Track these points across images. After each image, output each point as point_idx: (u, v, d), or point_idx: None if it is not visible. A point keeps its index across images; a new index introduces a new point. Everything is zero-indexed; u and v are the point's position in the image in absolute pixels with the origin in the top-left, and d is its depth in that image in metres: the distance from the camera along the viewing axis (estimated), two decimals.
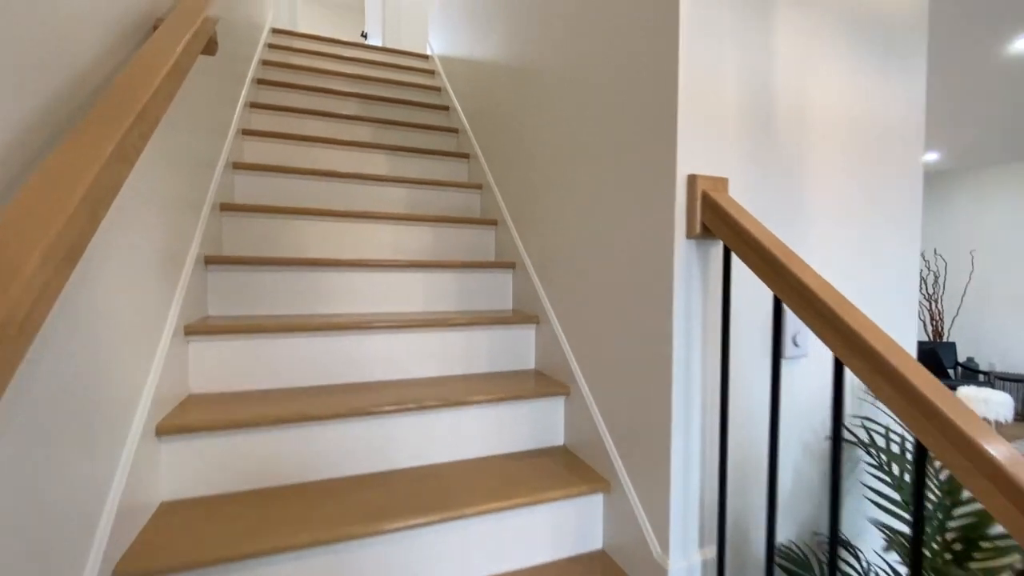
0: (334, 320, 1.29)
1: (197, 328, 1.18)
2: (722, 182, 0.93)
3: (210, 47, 1.04)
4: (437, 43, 3.11)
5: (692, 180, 0.91)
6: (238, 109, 1.88)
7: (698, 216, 0.90)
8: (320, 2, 6.92)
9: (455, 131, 2.50)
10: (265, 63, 2.47)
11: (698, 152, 0.92)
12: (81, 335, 0.75)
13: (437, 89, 2.88)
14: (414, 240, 1.80)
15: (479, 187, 2.11)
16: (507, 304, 1.73)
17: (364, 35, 5.14)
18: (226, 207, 1.54)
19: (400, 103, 2.56)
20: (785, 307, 1.00)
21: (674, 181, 0.91)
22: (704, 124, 0.93)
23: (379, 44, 4.32)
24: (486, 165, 2.09)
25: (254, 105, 2.10)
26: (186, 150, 1.24)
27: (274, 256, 1.43)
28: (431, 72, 3.11)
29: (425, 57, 3.29)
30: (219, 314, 1.40)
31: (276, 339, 1.25)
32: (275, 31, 2.89)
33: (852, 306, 0.70)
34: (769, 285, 0.79)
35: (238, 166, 1.73)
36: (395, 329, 1.36)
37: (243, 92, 1.99)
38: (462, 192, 2.10)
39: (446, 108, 2.68)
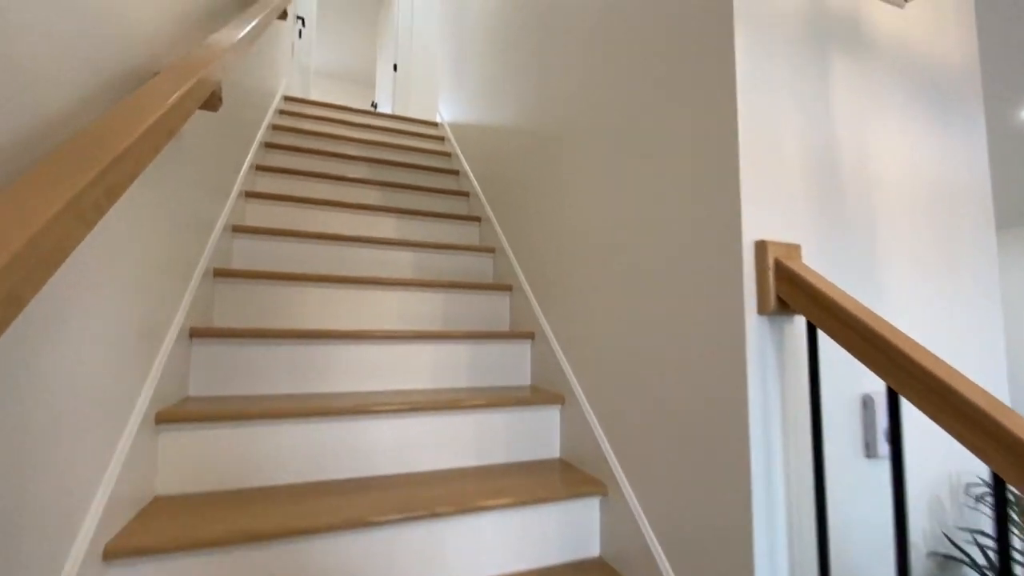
0: (330, 405, 1.12)
1: (171, 415, 1.00)
2: (795, 249, 0.80)
3: (212, 102, 0.94)
4: (447, 111, 3.14)
5: (761, 247, 0.77)
6: (243, 171, 1.81)
7: (771, 288, 0.76)
8: (332, 76, 7.26)
9: (465, 194, 2.44)
10: (275, 127, 2.45)
11: (764, 215, 0.80)
12: (5, 436, 0.58)
13: (447, 154, 2.86)
14: (423, 307, 1.65)
15: (491, 251, 2.00)
16: (525, 379, 1.56)
17: (374, 105, 5.30)
18: (220, 273, 1.41)
19: (409, 167, 2.52)
20: (875, 398, 0.84)
21: (740, 248, 0.78)
22: (768, 184, 0.81)
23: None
24: (499, 228, 1.99)
25: (260, 168, 2.04)
26: (177, 211, 1.12)
27: (268, 328, 1.28)
28: (440, 138, 3.12)
29: (435, 124, 3.32)
30: (203, 394, 1.22)
31: (264, 427, 1.07)
32: (287, 98, 2.92)
33: (1008, 408, 0.54)
34: (879, 373, 0.64)
35: (238, 229, 1.62)
36: (400, 413, 1.18)
37: (249, 154, 1.93)
38: (474, 256, 1.98)
39: (456, 172, 2.64)
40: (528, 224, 1.68)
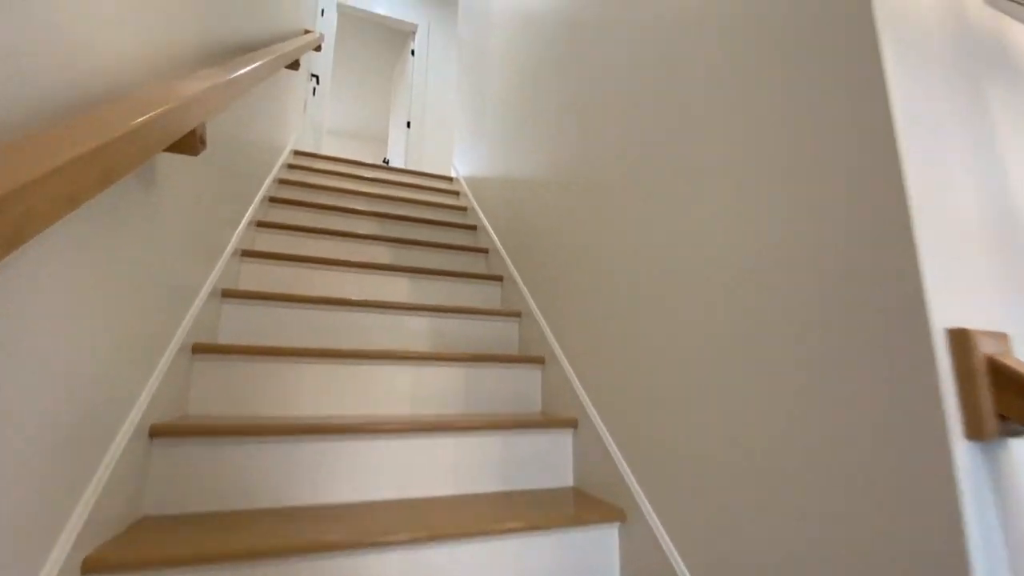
0: (322, 539, 0.83)
1: (104, 562, 0.73)
2: (1002, 339, 0.55)
3: (189, 144, 0.74)
4: (463, 165, 3.01)
5: (961, 339, 0.53)
6: (240, 228, 1.61)
7: (989, 401, 0.51)
8: (344, 133, 7.36)
9: (484, 251, 2.23)
10: (281, 182, 2.30)
11: (953, 293, 0.56)
12: None
13: (463, 209, 2.69)
14: (440, 386, 1.39)
15: (517, 315, 1.76)
16: (566, 478, 1.26)
17: (386, 162, 5.27)
18: (201, 349, 1.17)
19: (423, 222, 2.34)
20: None
21: (928, 340, 0.53)
22: (951, 251, 0.58)
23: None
24: (525, 289, 1.76)
25: (261, 224, 1.85)
26: (143, 276, 0.90)
27: (249, 422, 1.03)
28: (456, 193, 2.97)
29: (449, 179, 3.19)
30: (163, 513, 0.95)
31: (231, 571, 0.79)
32: (297, 152, 2.80)
33: None
34: None
35: (228, 294, 1.40)
36: (418, 544, 0.89)
37: (249, 210, 1.74)
38: (497, 321, 1.74)
39: (473, 227, 2.46)
40: (564, 285, 1.45)
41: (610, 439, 1.14)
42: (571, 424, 1.26)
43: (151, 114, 0.57)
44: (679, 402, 0.92)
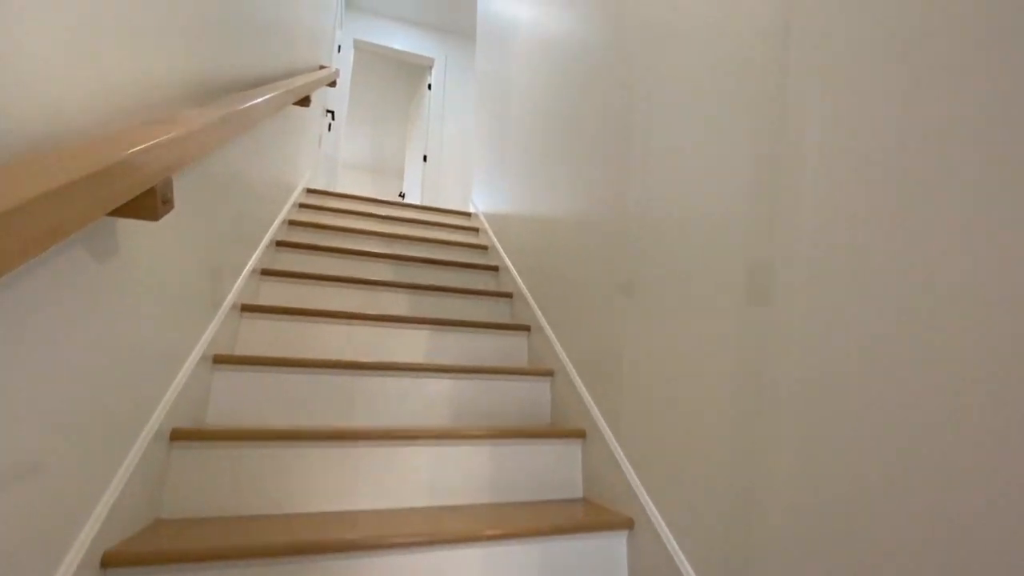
0: None
1: None
2: None
3: (145, 206, 0.57)
4: (482, 201, 2.86)
5: None
6: (242, 278, 1.45)
7: None
8: (360, 167, 7.36)
9: (508, 295, 2.04)
10: (292, 223, 2.16)
11: None
12: None
13: (483, 247, 2.52)
14: (464, 468, 1.18)
15: (548, 374, 1.55)
16: None
17: (402, 195, 5.18)
18: (181, 436, 0.99)
19: (440, 264, 2.16)
20: None
21: None
22: None
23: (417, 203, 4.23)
24: (558, 344, 1.55)
25: (266, 272, 1.69)
26: (103, 357, 0.72)
27: (232, 543, 0.82)
28: (475, 229, 2.81)
29: (467, 215, 3.04)
30: None
31: None
32: (309, 191, 2.68)
33: None
34: None
35: (221, 360, 1.22)
36: None
37: (254, 257, 1.59)
38: (525, 381, 1.53)
39: (495, 268, 2.27)
40: (606, 339, 1.24)
41: (676, 547, 0.92)
42: (626, 525, 1.03)
43: (68, 180, 0.40)
44: (776, 499, 0.70)
